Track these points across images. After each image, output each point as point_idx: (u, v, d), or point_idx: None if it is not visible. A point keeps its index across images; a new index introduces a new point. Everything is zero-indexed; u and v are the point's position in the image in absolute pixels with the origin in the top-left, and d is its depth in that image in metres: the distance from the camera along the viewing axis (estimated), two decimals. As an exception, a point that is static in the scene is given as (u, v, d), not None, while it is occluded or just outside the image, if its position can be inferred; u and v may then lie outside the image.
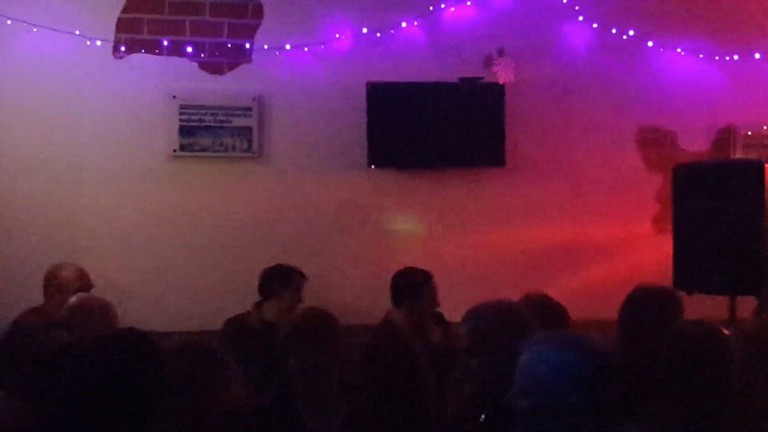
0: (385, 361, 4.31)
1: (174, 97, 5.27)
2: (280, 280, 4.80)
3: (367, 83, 5.34)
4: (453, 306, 4.52)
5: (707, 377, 2.72)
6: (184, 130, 5.28)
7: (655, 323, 3.48)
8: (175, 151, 5.29)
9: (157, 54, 5.27)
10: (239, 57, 5.35)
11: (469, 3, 5.50)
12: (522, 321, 2.83)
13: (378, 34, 5.41)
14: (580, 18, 5.60)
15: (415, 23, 5.44)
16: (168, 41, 5.26)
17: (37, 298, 4.67)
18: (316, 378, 2.95)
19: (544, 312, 3.39)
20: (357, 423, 2.91)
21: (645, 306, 3.58)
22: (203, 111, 5.29)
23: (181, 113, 5.27)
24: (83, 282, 4.66)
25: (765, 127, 5.84)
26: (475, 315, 2.89)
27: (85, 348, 2.35)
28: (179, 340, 2.66)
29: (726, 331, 2.95)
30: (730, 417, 2.73)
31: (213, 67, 5.34)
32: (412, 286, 4.50)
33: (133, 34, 5.26)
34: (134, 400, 2.17)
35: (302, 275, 4.85)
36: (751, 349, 3.29)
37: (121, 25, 5.24)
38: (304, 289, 4.84)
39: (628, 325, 3.61)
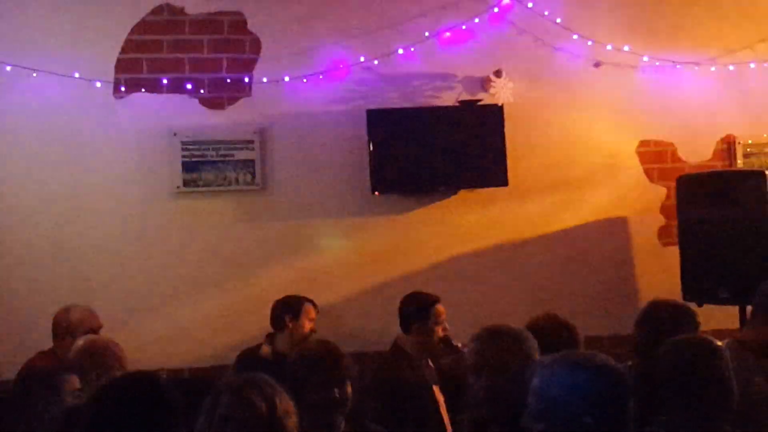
0: (397, 386, 4.29)
1: (175, 134, 5.29)
2: (291, 311, 4.79)
3: (367, 111, 5.37)
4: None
5: (705, 388, 2.71)
6: (187, 166, 5.30)
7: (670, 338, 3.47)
8: (178, 187, 5.31)
9: (157, 92, 5.30)
10: (239, 91, 5.39)
11: (464, 27, 5.54)
12: (526, 343, 2.83)
13: (375, 62, 5.45)
14: (575, 36, 5.63)
15: (412, 49, 5.48)
16: (167, 79, 5.29)
17: (44, 341, 4.66)
18: (325, 412, 2.95)
19: (554, 332, 3.39)
20: None
21: (660, 321, 3.55)
22: (205, 146, 5.32)
23: (183, 149, 5.29)
24: (92, 323, 4.63)
25: (765, 135, 5.85)
26: (480, 335, 2.90)
27: (97, 398, 2.35)
28: (238, 377, 2.70)
29: (719, 343, 2.94)
30: (733, 425, 2.71)
31: (213, 103, 5.38)
32: (419, 310, 4.49)
33: (132, 73, 5.29)
34: None
35: (314, 305, 4.84)
36: (749, 357, 3.29)
37: (120, 66, 5.27)
38: (316, 318, 4.84)
39: (643, 341, 3.58)
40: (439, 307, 4.48)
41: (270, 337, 4.81)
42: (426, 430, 4.17)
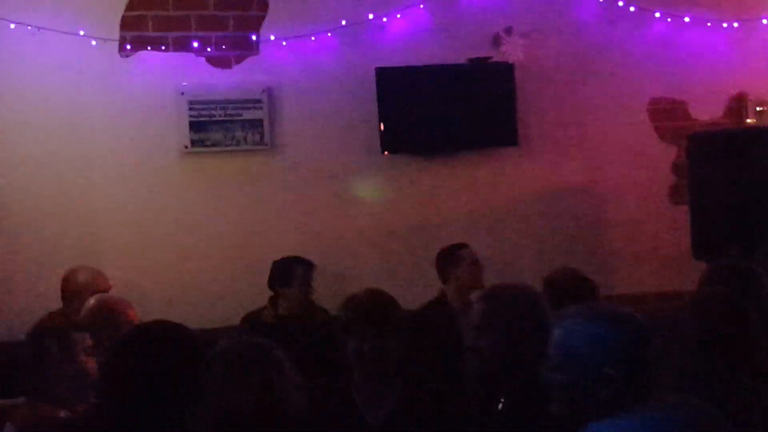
0: (432, 334, 4.31)
1: (182, 93, 5.24)
2: (283, 276, 4.74)
3: (376, 69, 5.31)
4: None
5: (731, 347, 2.70)
6: (195, 126, 5.26)
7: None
8: (186, 147, 5.27)
9: (163, 50, 5.24)
10: (246, 49, 5.33)
11: (474, -17, 5.47)
12: (536, 302, 2.81)
13: (384, 19, 5.38)
14: (586, -8, 5.56)
15: (421, 6, 5.41)
16: (173, 37, 5.24)
17: (51, 302, 4.66)
18: (376, 362, 2.85)
19: (573, 286, 3.38)
20: (409, 410, 2.86)
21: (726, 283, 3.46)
22: (213, 105, 5.27)
23: (190, 109, 5.24)
24: (100, 284, 4.63)
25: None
26: (489, 295, 2.87)
27: (123, 341, 2.32)
28: (229, 339, 2.64)
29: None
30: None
31: (220, 61, 5.32)
32: (447, 256, 4.68)
33: (138, 31, 5.23)
34: (175, 392, 2.14)
35: (309, 266, 4.78)
36: None
37: (126, 23, 5.21)
38: (313, 278, 4.79)
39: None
40: (468, 251, 4.75)
41: (272, 300, 4.79)
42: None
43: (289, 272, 4.74)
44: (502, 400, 2.72)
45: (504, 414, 2.71)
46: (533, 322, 2.66)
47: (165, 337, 2.23)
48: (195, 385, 2.17)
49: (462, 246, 4.81)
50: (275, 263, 4.83)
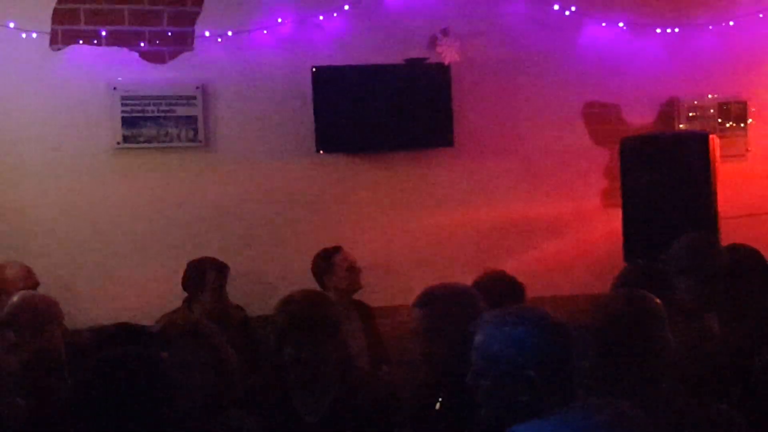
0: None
1: (115, 88, 5.16)
2: (196, 279, 4.68)
3: (312, 67, 5.29)
4: (406, 288, 4.52)
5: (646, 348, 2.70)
6: (127, 122, 5.17)
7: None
8: (118, 143, 5.18)
9: (95, 44, 5.14)
10: (181, 45, 5.26)
11: (411, -16, 5.47)
12: (474, 303, 2.82)
13: (321, 17, 5.35)
14: (523, -5, 5.61)
15: (358, 6, 5.39)
16: (106, 31, 5.14)
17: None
18: (312, 368, 2.86)
19: (500, 289, 3.39)
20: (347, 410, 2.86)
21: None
22: (146, 101, 5.19)
23: (123, 104, 5.16)
24: (29, 281, 4.55)
25: (710, 96, 5.90)
26: (427, 298, 2.87)
27: (85, 344, 2.30)
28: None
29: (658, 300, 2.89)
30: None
31: (154, 56, 5.24)
32: (322, 264, 4.84)
33: (69, 24, 5.12)
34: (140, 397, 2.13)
35: (221, 269, 4.70)
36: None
37: (57, 16, 5.09)
38: (226, 282, 4.71)
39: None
40: (338, 257, 4.74)
41: (187, 302, 4.71)
42: None
43: (202, 275, 4.67)
44: (440, 400, 2.72)
45: (441, 415, 2.71)
46: (472, 319, 2.66)
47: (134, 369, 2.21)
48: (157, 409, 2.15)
49: (336, 250, 4.83)
50: (189, 265, 4.74)
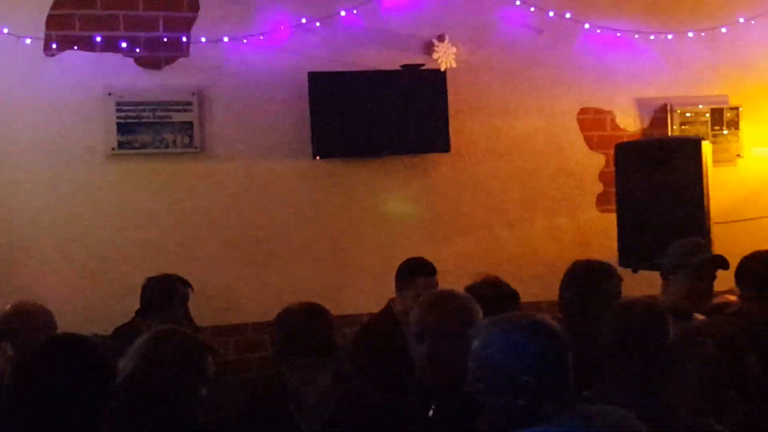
0: (378, 345, 4.23)
1: (110, 94, 5.14)
2: (161, 295, 4.41)
3: (309, 73, 5.29)
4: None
5: (653, 355, 2.74)
6: (123, 127, 5.16)
7: (596, 296, 3.53)
8: (113, 149, 5.16)
9: (90, 50, 5.13)
10: (176, 51, 5.25)
11: (407, -10, 5.49)
12: (471, 308, 2.83)
13: (317, 24, 5.36)
14: (518, 2, 5.62)
15: (355, 11, 5.40)
16: (101, 37, 5.12)
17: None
18: (310, 380, 2.86)
19: (495, 295, 3.41)
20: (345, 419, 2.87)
21: (585, 279, 3.60)
22: (141, 107, 5.18)
23: (118, 110, 5.14)
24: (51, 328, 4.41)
25: (700, 106, 5.94)
26: (421, 305, 2.88)
27: (28, 358, 2.29)
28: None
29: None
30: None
31: (149, 62, 5.23)
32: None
33: (64, 30, 5.10)
34: (80, 406, 2.12)
35: (187, 284, 4.51)
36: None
37: (52, 22, 5.08)
38: (189, 301, 4.51)
39: (570, 301, 3.64)
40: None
41: (143, 316, 4.43)
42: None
43: (172, 290, 4.42)
44: (433, 407, 2.73)
45: (434, 421, 2.71)
46: (466, 327, 2.67)
47: (72, 356, 2.20)
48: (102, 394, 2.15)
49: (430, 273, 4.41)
50: (153, 280, 4.50)
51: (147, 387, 2.51)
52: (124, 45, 5.15)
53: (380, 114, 5.37)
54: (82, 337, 2.31)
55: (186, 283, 4.55)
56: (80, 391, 2.14)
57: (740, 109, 5.99)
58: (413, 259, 4.45)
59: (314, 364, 2.84)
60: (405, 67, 5.45)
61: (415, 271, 4.35)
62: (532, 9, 5.64)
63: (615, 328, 2.86)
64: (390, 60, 5.44)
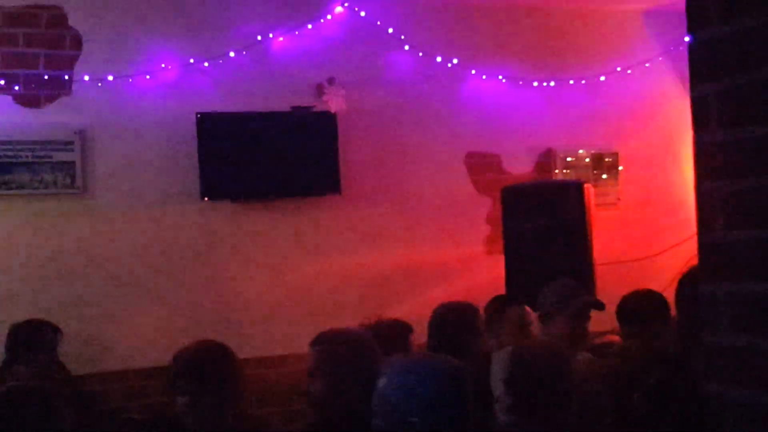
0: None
1: (-14, 132, 4.95)
2: (28, 341, 4.31)
3: (197, 114, 5.22)
4: (294, 335, 4.46)
5: (557, 396, 2.77)
6: (-1, 167, 4.96)
7: (459, 338, 3.67)
8: (-11, 189, 4.95)
9: (-35, 87, 4.93)
10: (58, 89, 5.09)
11: (297, 33, 5.50)
12: (367, 345, 2.83)
13: (206, 64, 5.30)
14: (407, 47, 5.72)
15: (244, 53, 5.37)
16: (-22, 73, 4.94)
17: None
18: (205, 416, 2.84)
19: (395, 335, 3.43)
20: None
21: (448, 322, 3.75)
22: (19, 146, 4.99)
23: (-6, 149, 4.95)
24: None
25: (581, 151, 6.16)
26: (320, 340, 2.88)
27: None
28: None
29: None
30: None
31: (29, 100, 5.05)
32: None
33: (-63, 65, 4.90)
34: None
35: (57, 329, 4.43)
36: None
37: (-76, 57, 4.87)
38: (59, 346, 4.43)
39: (437, 344, 3.73)
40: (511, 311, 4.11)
41: (7, 366, 4.27)
42: None
43: (39, 335, 4.33)
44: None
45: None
46: (362, 367, 2.68)
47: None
48: None
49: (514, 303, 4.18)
50: (20, 326, 4.40)
51: None
52: (2, 82, 4.97)
53: (270, 155, 5.34)
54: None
55: (55, 329, 4.38)
56: None
57: (619, 154, 6.23)
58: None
59: (200, 390, 2.82)
60: (295, 108, 5.44)
61: None
62: (420, 54, 5.75)
63: (518, 372, 2.87)
64: (280, 101, 5.43)
